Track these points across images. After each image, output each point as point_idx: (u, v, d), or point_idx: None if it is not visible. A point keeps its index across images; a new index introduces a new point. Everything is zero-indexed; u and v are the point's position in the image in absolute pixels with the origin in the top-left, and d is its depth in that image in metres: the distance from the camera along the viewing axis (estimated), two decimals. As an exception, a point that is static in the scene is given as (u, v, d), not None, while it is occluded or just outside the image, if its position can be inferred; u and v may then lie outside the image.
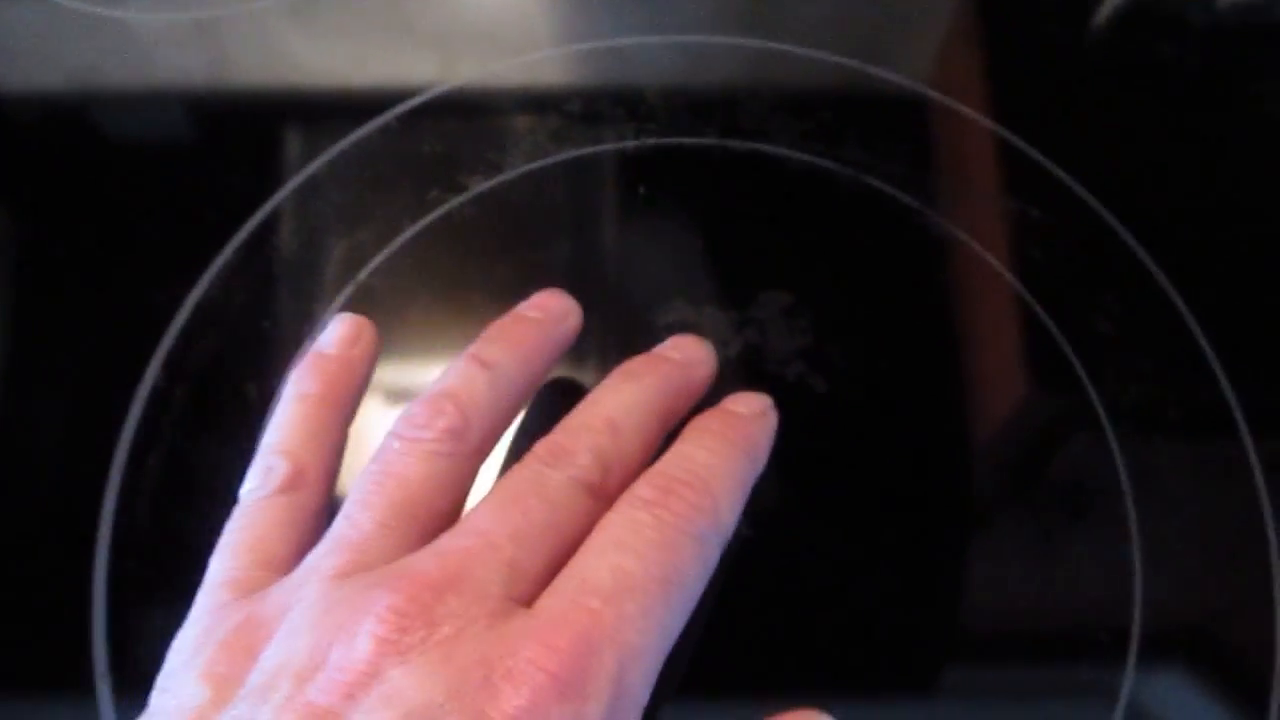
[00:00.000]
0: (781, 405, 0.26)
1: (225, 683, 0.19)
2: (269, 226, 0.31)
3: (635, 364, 0.25)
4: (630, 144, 0.32)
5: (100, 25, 0.35)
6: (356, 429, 0.25)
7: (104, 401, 0.28)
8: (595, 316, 0.29)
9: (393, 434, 0.22)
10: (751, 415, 0.24)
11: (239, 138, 0.33)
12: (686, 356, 0.25)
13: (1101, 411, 0.29)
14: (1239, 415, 0.29)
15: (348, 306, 0.29)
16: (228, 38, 0.35)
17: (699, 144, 0.32)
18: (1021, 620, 0.26)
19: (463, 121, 0.33)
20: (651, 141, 0.32)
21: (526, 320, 0.25)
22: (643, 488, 0.21)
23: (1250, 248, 0.32)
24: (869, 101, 0.34)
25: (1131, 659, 0.26)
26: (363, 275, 0.30)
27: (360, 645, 0.18)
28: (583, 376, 0.29)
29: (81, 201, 0.32)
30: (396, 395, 0.29)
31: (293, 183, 0.31)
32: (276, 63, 0.34)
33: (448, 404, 0.22)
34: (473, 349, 0.24)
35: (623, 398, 0.23)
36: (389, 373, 0.29)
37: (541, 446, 0.22)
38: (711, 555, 0.22)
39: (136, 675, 0.25)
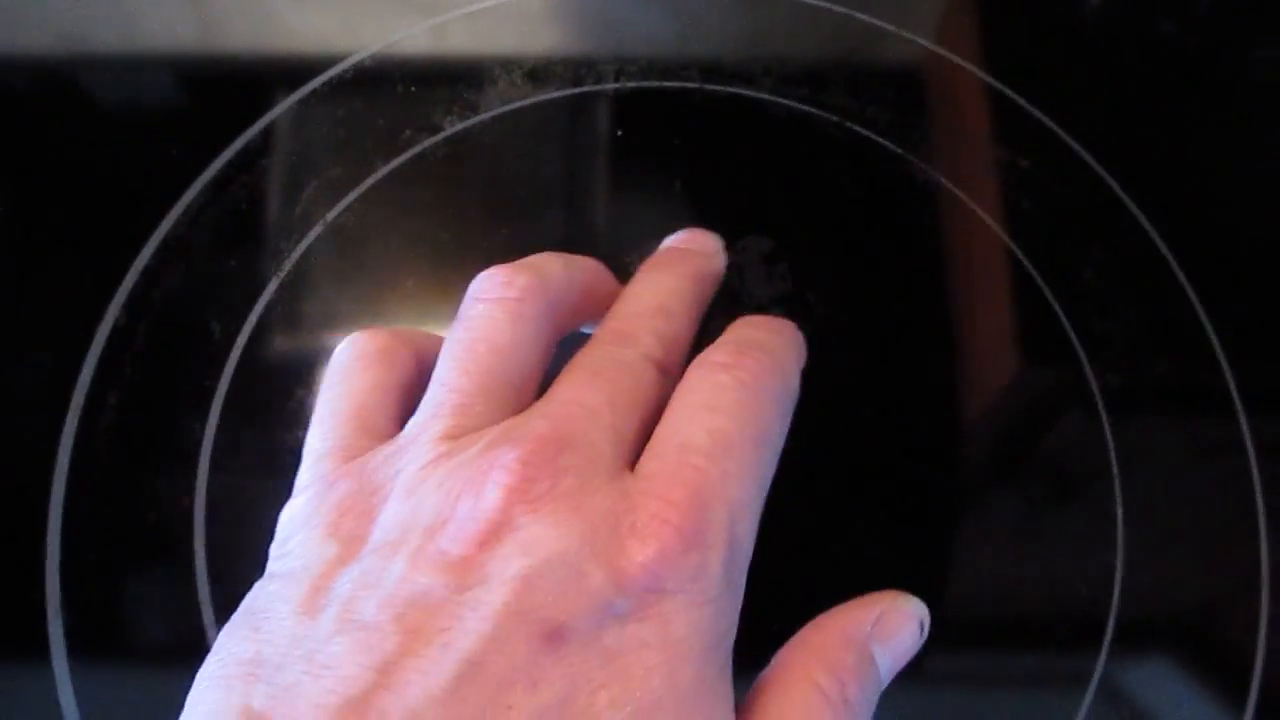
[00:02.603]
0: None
1: (351, 540, 0.19)
2: (238, 165, 0.30)
3: (663, 257, 0.26)
4: (609, 86, 0.31)
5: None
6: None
7: (65, 339, 0.28)
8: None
9: (474, 298, 0.23)
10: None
11: (209, 79, 0.32)
12: (704, 247, 0.27)
13: (1090, 375, 0.28)
14: (1234, 391, 0.28)
15: (317, 245, 0.29)
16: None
17: (680, 87, 0.31)
18: (994, 601, 0.26)
19: (439, 61, 0.32)
20: (631, 84, 0.31)
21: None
22: (715, 353, 0.22)
23: (1247, 214, 0.31)
24: (855, 48, 0.33)
25: (1105, 645, 0.25)
26: (333, 214, 0.29)
27: (489, 495, 0.19)
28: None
29: (50, 144, 0.31)
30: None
31: (262, 121, 0.30)
32: (251, 7, 0.33)
33: (525, 267, 0.23)
34: None
35: (663, 286, 0.25)
36: (359, 311, 0.28)
37: (605, 333, 0.23)
38: (787, 415, 0.23)
39: (90, 615, 0.25)
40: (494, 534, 0.18)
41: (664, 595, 0.18)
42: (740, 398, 0.21)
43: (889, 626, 0.22)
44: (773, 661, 0.21)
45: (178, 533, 0.25)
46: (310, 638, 0.18)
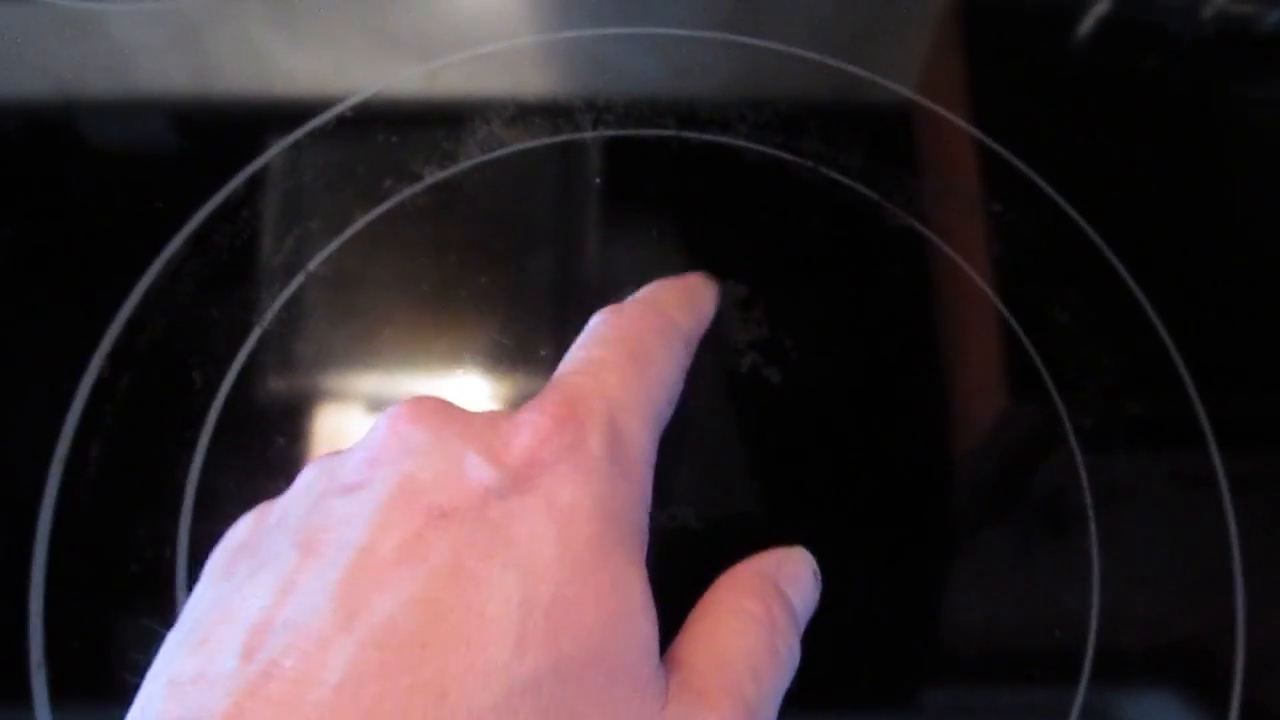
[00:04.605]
0: (734, 397, 0.26)
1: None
2: (220, 216, 0.30)
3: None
4: (587, 135, 0.32)
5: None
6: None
7: (48, 389, 0.28)
8: (547, 307, 0.29)
9: None
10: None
11: (196, 129, 0.33)
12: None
13: (1064, 415, 0.28)
14: (1206, 427, 0.28)
15: (298, 295, 0.29)
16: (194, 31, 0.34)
17: (657, 135, 0.32)
18: (973, 638, 0.26)
19: (419, 111, 0.32)
20: (609, 133, 0.32)
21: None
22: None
23: (1217, 253, 0.32)
24: (829, 94, 0.33)
25: (1084, 680, 0.25)
26: (313, 264, 0.30)
27: (379, 429, 0.21)
28: (534, 367, 0.29)
29: (31, 191, 0.31)
30: (345, 386, 0.28)
31: (245, 172, 0.31)
32: (232, 50, 0.34)
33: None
34: None
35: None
36: (340, 360, 0.29)
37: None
38: (672, 345, 0.24)
39: (72, 666, 0.25)
40: (380, 457, 0.19)
41: (543, 469, 0.19)
42: (617, 334, 0.23)
43: (790, 570, 0.23)
44: (696, 605, 0.22)
45: (160, 583, 0.26)
46: (229, 594, 0.18)
